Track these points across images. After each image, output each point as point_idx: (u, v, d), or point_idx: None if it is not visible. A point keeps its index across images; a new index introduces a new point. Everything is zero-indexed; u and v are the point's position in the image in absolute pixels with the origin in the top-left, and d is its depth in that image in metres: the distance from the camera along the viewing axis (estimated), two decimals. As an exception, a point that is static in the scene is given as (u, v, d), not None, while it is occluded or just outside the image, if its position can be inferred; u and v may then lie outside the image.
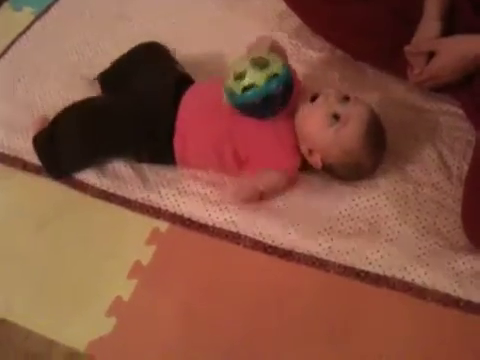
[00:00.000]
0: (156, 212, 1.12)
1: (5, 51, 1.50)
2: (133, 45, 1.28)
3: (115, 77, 1.26)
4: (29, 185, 1.20)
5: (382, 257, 1.01)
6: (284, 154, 1.07)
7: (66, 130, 1.15)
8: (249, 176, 1.09)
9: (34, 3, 1.64)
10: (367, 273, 1.00)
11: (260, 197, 1.10)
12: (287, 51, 1.17)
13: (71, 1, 1.64)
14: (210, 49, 1.41)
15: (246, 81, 0.97)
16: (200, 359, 0.94)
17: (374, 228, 1.05)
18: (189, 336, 0.97)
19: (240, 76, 0.98)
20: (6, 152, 1.24)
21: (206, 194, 1.13)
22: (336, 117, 1.01)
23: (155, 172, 1.17)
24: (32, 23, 1.57)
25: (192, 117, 1.10)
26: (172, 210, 1.12)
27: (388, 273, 0.99)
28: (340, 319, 0.96)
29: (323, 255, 1.03)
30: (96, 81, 1.30)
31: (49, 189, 1.18)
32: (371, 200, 1.09)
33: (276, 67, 0.98)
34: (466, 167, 1.09)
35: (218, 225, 1.09)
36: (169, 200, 1.13)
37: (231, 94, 1.00)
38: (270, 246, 1.05)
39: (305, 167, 1.10)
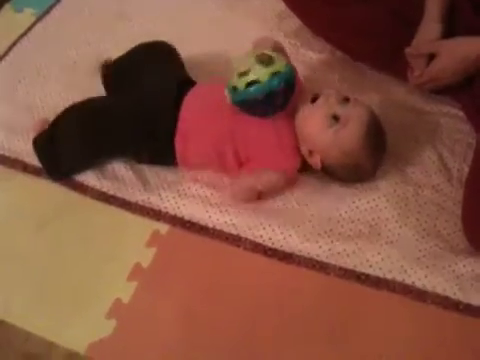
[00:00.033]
0: (156, 214, 1.12)
1: (6, 53, 1.49)
2: (133, 45, 1.28)
3: (118, 76, 1.26)
4: (29, 187, 1.20)
5: (382, 259, 1.01)
6: (284, 155, 1.07)
7: (66, 131, 1.15)
8: (247, 175, 1.09)
9: (35, 4, 1.63)
10: (367, 276, 1.00)
11: (258, 197, 1.10)
12: (286, 52, 1.16)
13: (72, 2, 1.63)
14: (210, 49, 1.41)
15: (250, 77, 0.98)
16: (200, 361, 0.95)
17: (374, 230, 1.05)
18: (189, 338, 0.97)
19: (244, 72, 0.98)
20: (6, 154, 1.24)
21: (206, 196, 1.13)
22: (336, 118, 1.01)
23: (155, 174, 1.17)
24: (33, 24, 1.57)
25: (194, 117, 1.11)
26: (172, 212, 1.12)
27: (388, 276, 0.99)
28: (340, 322, 0.96)
29: (323, 258, 1.03)
30: (97, 80, 1.30)
31: (49, 191, 1.18)
32: (371, 202, 1.09)
33: (280, 65, 0.99)
34: (466, 169, 1.09)
35: (218, 227, 1.09)
36: (169, 202, 1.13)
37: (234, 90, 1.00)
38: (270, 248, 1.05)
39: (305, 168, 1.10)
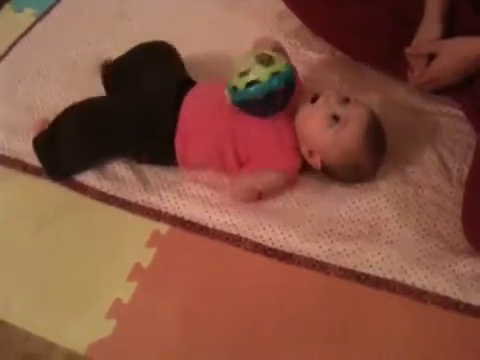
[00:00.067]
0: (156, 214, 1.12)
1: (6, 52, 1.49)
2: (133, 45, 1.28)
3: (118, 76, 1.26)
4: (29, 187, 1.20)
5: (382, 260, 1.01)
6: (285, 155, 1.07)
7: (66, 131, 1.15)
8: (248, 175, 1.09)
9: (35, 4, 1.63)
10: (367, 276, 1.00)
11: (259, 197, 1.11)
12: (286, 52, 1.17)
13: (72, 2, 1.63)
14: (210, 49, 1.41)
15: (250, 77, 0.98)
16: (200, 361, 0.95)
17: (374, 230, 1.05)
18: (189, 338, 0.97)
19: (244, 72, 0.98)
20: (6, 154, 1.24)
21: (207, 196, 1.13)
22: (336, 118, 1.01)
23: (155, 174, 1.17)
24: (33, 24, 1.57)
25: (194, 117, 1.11)
26: (172, 212, 1.12)
27: (388, 276, 0.99)
28: (340, 322, 0.96)
29: (323, 258, 1.03)
30: (97, 80, 1.30)
31: (49, 191, 1.18)
32: (371, 202, 1.09)
33: (280, 65, 0.99)
34: (466, 170, 1.09)
35: (218, 227, 1.09)
36: (169, 202, 1.13)
37: (234, 90, 1.01)
38: (270, 249, 1.05)
39: (305, 168, 1.10)
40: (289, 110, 1.06)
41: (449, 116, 1.21)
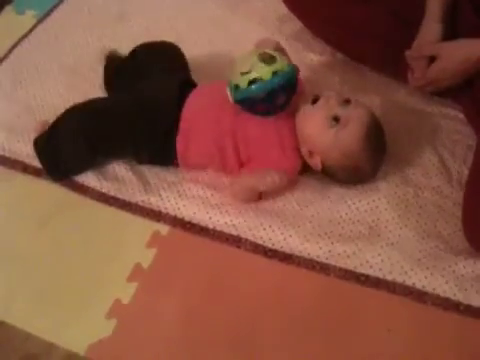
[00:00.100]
0: (157, 215, 1.12)
1: (7, 54, 1.50)
2: (133, 45, 1.28)
3: (121, 75, 1.26)
4: (29, 188, 1.20)
5: (383, 261, 1.01)
6: (285, 156, 1.07)
7: (67, 132, 1.15)
8: (248, 175, 1.09)
9: (36, 6, 1.64)
10: (367, 277, 1.00)
11: (259, 197, 1.11)
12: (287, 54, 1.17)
13: (73, 4, 1.64)
14: (210, 50, 1.42)
15: (252, 75, 0.98)
16: (200, 362, 0.95)
17: (374, 232, 1.05)
18: (189, 339, 0.97)
19: (246, 70, 0.99)
20: (7, 155, 1.24)
21: (207, 197, 1.13)
22: (336, 119, 1.02)
23: (156, 175, 1.17)
24: (34, 26, 1.58)
25: (195, 117, 1.11)
26: (173, 213, 1.12)
27: (388, 277, 0.99)
28: (340, 322, 0.96)
29: (323, 259, 1.03)
30: (97, 80, 1.30)
31: (49, 192, 1.18)
32: (371, 203, 1.09)
33: (282, 64, 1.00)
34: (466, 171, 1.09)
35: (219, 228, 1.09)
36: (170, 203, 1.13)
37: (236, 88, 1.01)
38: (270, 249, 1.05)
39: (305, 169, 1.10)
40: (290, 110, 1.06)
41: (449, 118, 1.21)
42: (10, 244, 1.12)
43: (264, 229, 1.07)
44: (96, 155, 1.16)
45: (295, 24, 1.40)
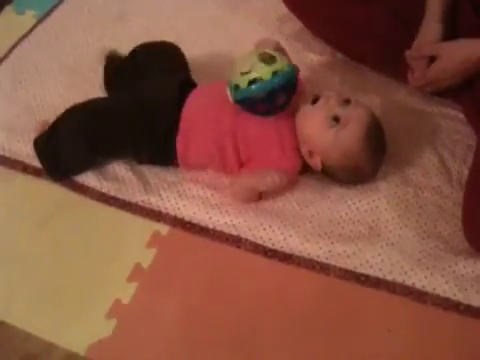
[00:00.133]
0: (157, 215, 1.12)
1: (7, 54, 1.50)
2: (133, 45, 1.28)
3: (121, 75, 1.26)
4: (29, 188, 1.20)
5: (383, 261, 1.01)
6: (285, 156, 1.07)
7: (67, 132, 1.15)
8: (248, 175, 1.09)
9: (36, 6, 1.64)
10: (367, 277, 1.00)
11: (259, 197, 1.11)
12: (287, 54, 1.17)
13: (72, 4, 1.64)
14: (210, 50, 1.42)
15: (252, 75, 0.98)
16: (200, 362, 0.95)
17: (374, 232, 1.05)
18: (189, 339, 0.97)
19: (247, 70, 0.99)
20: (7, 155, 1.24)
21: (207, 197, 1.13)
22: (336, 119, 1.02)
23: (156, 175, 1.17)
24: (34, 26, 1.58)
25: (195, 117, 1.11)
26: (173, 213, 1.12)
27: (388, 277, 0.99)
28: (340, 323, 0.96)
29: (323, 259, 1.03)
30: (97, 81, 1.30)
31: (49, 192, 1.18)
32: (371, 203, 1.09)
33: (282, 64, 1.00)
34: (466, 171, 1.09)
35: (219, 228, 1.09)
36: (170, 203, 1.13)
37: (236, 88, 1.01)
38: (270, 249, 1.05)
39: (305, 169, 1.10)
40: (290, 110, 1.06)
41: (449, 118, 1.22)
42: (10, 244, 1.12)
43: (264, 229, 1.07)
44: (96, 155, 1.16)
45: (295, 24, 1.40)
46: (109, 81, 1.30)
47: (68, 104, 1.19)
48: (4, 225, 1.16)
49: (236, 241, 1.07)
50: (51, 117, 1.21)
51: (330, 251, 1.03)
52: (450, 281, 0.97)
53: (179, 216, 1.11)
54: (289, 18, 1.40)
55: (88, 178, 1.17)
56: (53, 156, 1.16)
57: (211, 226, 1.09)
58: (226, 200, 1.11)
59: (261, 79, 0.98)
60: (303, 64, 1.33)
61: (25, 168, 1.22)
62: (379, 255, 1.02)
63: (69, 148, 1.14)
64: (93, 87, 1.33)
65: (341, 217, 1.08)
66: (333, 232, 1.06)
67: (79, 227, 1.13)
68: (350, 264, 1.01)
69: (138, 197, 1.14)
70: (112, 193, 1.15)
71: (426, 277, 0.98)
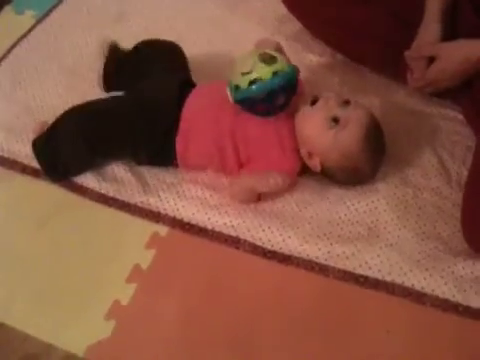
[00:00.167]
0: (156, 216, 1.12)
1: (6, 54, 1.49)
2: (133, 45, 1.28)
3: (121, 73, 1.26)
4: (28, 188, 1.19)
5: (382, 262, 1.01)
6: (285, 157, 1.07)
7: (65, 133, 1.15)
8: (248, 175, 1.09)
9: (35, 6, 1.64)
10: (366, 278, 1.00)
11: (258, 198, 1.11)
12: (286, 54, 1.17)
13: (72, 4, 1.64)
14: (209, 50, 1.42)
15: (253, 75, 0.98)
16: (199, 363, 0.95)
17: (374, 233, 1.05)
18: (188, 340, 0.97)
19: (247, 70, 0.99)
20: (5, 155, 1.24)
21: (206, 198, 1.13)
22: (335, 120, 1.02)
23: (155, 176, 1.17)
24: (33, 26, 1.57)
25: (195, 117, 1.10)
26: (172, 214, 1.11)
27: (387, 278, 0.99)
28: (339, 324, 0.96)
29: (322, 260, 1.03)
30: (97, 81, 1.30)
31: (48, 192, 1.17)
32: (371, 204, 1.09)
33: (282, 64, 1.00)
34: (465, 172, 1.09)
35: (217, 229, 1.08)
36: (169, 204, 1.13)
37: (236, 89, 1.01)
38: (269, 251, 1.05)
39: (305, 170, 1.10)
40: (290, 111, 1.06)
41: (449, 119, 1.22)
42: (9, 245, 1.12)
43: (263, 230, 1.07)
44: (95, 156, 1.16)
45: (294, 25, 1.40)
46: (108, 77, 1.28)
47: (67, 105, 1.19)
48: (3, 226, 1.16)
49: (235, 242, 1.07)
50: (50, 118, 1.21)
51: (329, 252, 1.03)
52: (449, 282, 0.97)
53: (178, 217, 1.11)
54: (288, 18, 1.40)
55: (87, 179, 1.17)
56: (52, 157, 1.15)
57: (210, 227, 1.09)
58: (225, 201, 1.11)
59: (261, 79, 0.98)
60: (302, 65, 1.32)
61: (24, 169, 1.22)
62: (378, 256, 1.02)
63: (68, 149, 1.14)
64: (92, 87, 1.33)
65: (340, 218, 1.08)
66: (332, 233, 1.06)
67: (78, 228, 1.13)
68: (349, 265, 1.01)
69: (137, 198, 1.14)
70: (111, 194, 1.15)
71: (425, 278, 0.98)
